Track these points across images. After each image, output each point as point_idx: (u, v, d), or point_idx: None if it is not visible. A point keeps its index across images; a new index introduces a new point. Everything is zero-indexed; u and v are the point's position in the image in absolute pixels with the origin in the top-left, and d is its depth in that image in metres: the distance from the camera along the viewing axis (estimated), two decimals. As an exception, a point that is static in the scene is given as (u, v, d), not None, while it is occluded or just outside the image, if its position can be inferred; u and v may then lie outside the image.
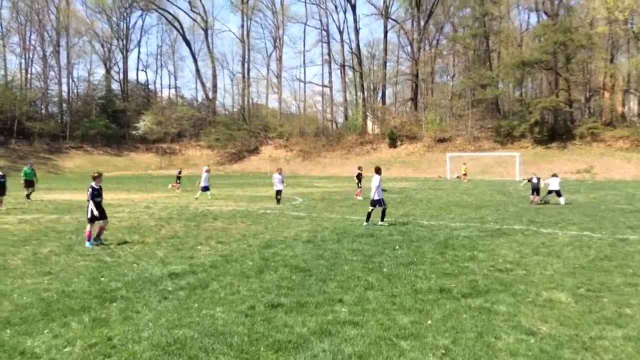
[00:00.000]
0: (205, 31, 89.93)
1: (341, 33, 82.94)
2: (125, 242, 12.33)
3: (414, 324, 6.22)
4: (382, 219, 15.37)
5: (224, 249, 11.44)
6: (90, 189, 12.13)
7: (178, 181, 34.00)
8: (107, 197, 26.33)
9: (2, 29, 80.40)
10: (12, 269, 9.36)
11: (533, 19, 73.47)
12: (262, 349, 5.47)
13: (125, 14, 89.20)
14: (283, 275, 8.76)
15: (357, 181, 27.02)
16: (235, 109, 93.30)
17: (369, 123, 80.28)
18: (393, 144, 70.25)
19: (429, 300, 7.24)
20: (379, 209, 15.58)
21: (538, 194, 22.56)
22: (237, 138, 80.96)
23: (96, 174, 12.48)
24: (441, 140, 67.20)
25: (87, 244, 11.87)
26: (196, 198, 25.52)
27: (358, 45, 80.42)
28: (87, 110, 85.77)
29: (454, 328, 6.09)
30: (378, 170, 15.72)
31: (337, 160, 70.51)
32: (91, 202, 12.02)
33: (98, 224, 12.29)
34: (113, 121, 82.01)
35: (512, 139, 61.31)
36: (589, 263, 9.75)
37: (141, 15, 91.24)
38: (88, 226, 12.12)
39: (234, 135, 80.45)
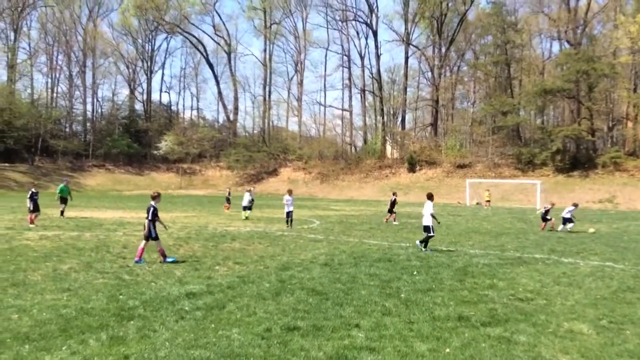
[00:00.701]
0: (228, 54, 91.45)
1: (362, 58, 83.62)
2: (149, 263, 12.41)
3: (432, 352, 6.13)
4: (425, 246, 15.28)
5: (242, 270, 11.44)
6: (152, 208, 12.26)
7: (228, 202, 34.30)
8: (127, 216, 26.68)
9: (30, 49, 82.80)
10: (32, 285, 9.47)
11: (555, 47, 73.45)
12: (278, 372, 5.43)
13: (150, 37, 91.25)
14: (300, 298, 8.73)
15: (390, 207, 26.48)
16: (255, 131, 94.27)
17: (388, 147, 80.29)
18: (412, 169, 70.06)
19: (447, 328, 7.14)
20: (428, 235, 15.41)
21: (548, 220, 23.52)
22: (257, 160, 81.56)
23: (156, 194, 12.79)
24: (461, 166, 66.84)
25: (139, 260, 12.08)
26: (246, 218, 26.32)
27: (379, 71, 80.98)
28: (110, 129, 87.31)
29: (472, 357, 5.99)
30: (430, 197, 15.61)
31: (355, 184, 70.45)
32: (152, 222, 12.27)
33: (152, 244, 12.48)
34: (135, 141, 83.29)
35: (534, 167, 60.75)
36: (611, 294, 9.54)
37: (166, 38, 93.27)
38: (143, 243, 12.37)
39: (253, 156, 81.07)
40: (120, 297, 8.66)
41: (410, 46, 79.80)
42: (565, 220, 22.69)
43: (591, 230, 22.36)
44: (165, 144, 80.00)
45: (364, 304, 8.42)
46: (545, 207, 24.06)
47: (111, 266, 11.64)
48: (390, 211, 26.18)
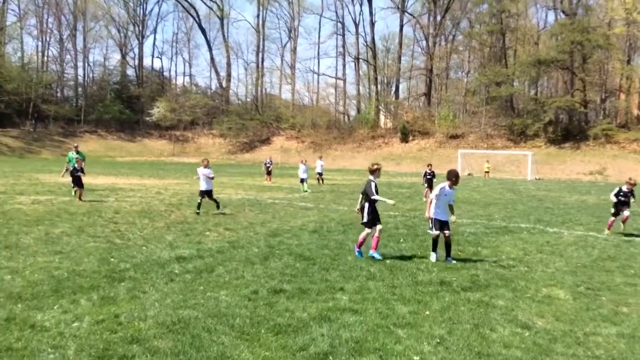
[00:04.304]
0: (221, 20, 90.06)
1: (357, 25, 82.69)
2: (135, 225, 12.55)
3: (412, 314, 6.36)
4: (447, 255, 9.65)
5: (231, 236, 11.64)
6: (373, 184, 9.63)
7: (269, 173, 32.01)
8: (119, 182, 26.73)
9: (19, 10, 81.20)
10: (24, 248, 9.62)
11: (551, 17, 72.93)
12: (263, 331, 5.64)
13: (142, 0, 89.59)
14: (287, 263, 8.94)
15: (424, 181, 22.65)
16: (248, 99, 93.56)
17: (382, 117, 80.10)
18: (405, 139, 70.08)
19: (429, 292, 7.37)
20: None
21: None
22: (249, 128, 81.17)
23: (376, 167, 9.91)
24: (453, 137, 66.92)
25: (358, 253, 9.67)
26: (305, 191, 24.36)
27: (373, 39, 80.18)
28: (102, 95, 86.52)
29: (450, 319, 6.22)
30: (453, 178, 9.99)
31: (348, 153, 70.48)
32: (374, 202, 9.69)
33: (373, 230, 9.72)
34: (127, 107, 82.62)
35: (526, 138, 60.93)
36: (592, 262, 9.81)
37: (158, 1, 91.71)
38: (365, 231, 9.72)
39: (246, 124, 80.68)
40: (112, 260, 8.84)
41: (406, 14, 78.91)
42: None
43: None
44: (158, 111, 79.40)
45: (349, 269, 8.64)
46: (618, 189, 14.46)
47: (103, 230, 11.81)
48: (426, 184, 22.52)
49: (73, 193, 18.54)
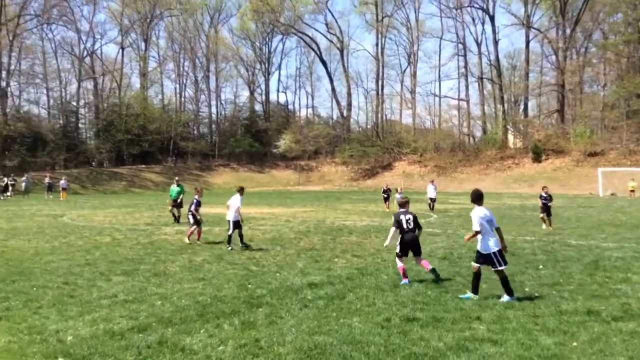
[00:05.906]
0: (341, 51, 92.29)
1: (479, 45, 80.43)
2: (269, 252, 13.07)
3: (558, 345, 5.94)
4: (507, 292, 8.21)
5: (359, 262, 11.71)
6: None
7: (386, 200, 31.15)
8: (251, 211, 28.09)
9: (159, 57, 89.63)
10: (171, 275, 10.42)
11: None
12: (399, 359, 5.57)
13: (267, 39, 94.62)
14: (418, 291, 8.80)
15: (542, 204, 19.20)
16: (368, 126, 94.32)
17: (510, 137, 76.69)
18: (537, 159, 66.33)
19: (575, 322, 6.85)
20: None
21: None
22: (371, 154, 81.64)
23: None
24: (592, 155, 62.17)
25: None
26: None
27: (497, 57, 77.44)
28: (233, 130, 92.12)
29: (602, 351, 5.73)
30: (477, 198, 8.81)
31: (475, 176, 68.13)
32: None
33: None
34: (256, 140, 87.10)
35: (676, 152, 55.08)
36: None
37: (281, 39, 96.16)
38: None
39: (367, 151, 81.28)
40: (249, 286, 9.29)
41: (531, 29, 75.50)
42: None
43: None
44: (284, 142, 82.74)
45: (485, 297, 8.30)
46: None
47: (240, 258, 12.46)
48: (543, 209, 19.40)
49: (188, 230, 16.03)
